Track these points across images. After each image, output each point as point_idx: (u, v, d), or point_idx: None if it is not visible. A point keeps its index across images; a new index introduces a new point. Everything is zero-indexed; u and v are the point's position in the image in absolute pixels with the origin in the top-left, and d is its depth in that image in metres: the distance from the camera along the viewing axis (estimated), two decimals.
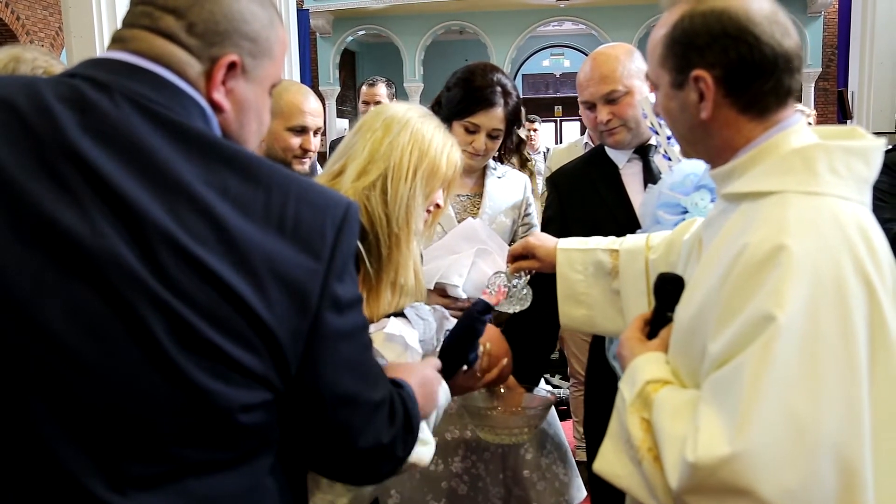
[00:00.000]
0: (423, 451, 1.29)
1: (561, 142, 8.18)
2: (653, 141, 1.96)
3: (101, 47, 3.94)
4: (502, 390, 1.80)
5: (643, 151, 1.99)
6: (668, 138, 1.85)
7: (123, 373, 0.75)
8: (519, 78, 15.77)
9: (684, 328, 1.06)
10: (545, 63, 16.66)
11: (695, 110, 1.05)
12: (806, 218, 0.94)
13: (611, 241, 1.60)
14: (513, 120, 2.08)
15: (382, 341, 1.39)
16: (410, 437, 1.01)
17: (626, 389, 1.10)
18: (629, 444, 1.06)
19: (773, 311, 0.89)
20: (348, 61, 15.05)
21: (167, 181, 0.78)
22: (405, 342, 1.40)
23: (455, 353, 1.46)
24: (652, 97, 1.84)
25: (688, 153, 1.15)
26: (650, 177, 1.94)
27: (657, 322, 1.18)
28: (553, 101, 16.63)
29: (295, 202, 0.83)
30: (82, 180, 0.76)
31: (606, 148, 2.04)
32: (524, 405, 1.77)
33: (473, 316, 1.45)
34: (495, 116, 2.03)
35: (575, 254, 1.60)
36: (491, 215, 2.12)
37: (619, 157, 2.01)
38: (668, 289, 1.17)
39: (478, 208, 2.12)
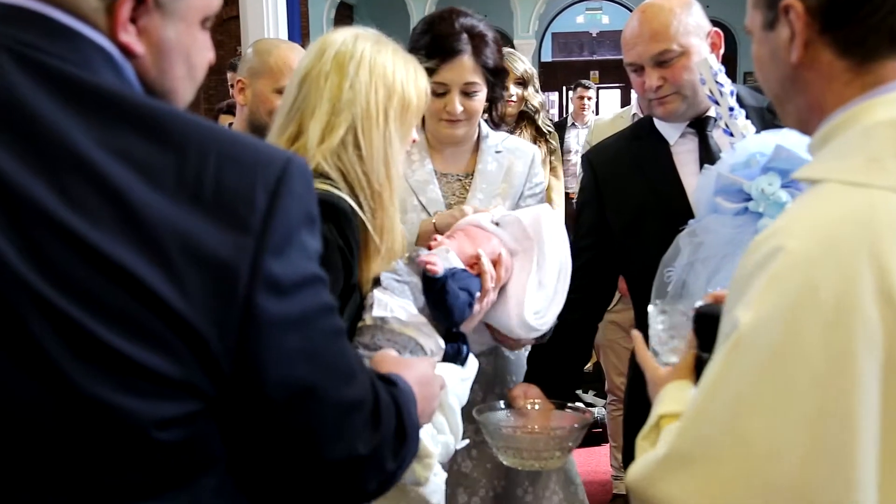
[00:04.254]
0: (419, 468, 1.31)
1: (597, 114, 8.13)
2: (711, 112, 1.93)
3: None
4: (528, 407, 1.79)
5: (700, 125, 1.96)
6: (731, 109, 1.82)
7: (1, 390, 0.73)
8: (548, 37, 15.74)
9: None
10: (579, 19, 16.61)
11: (785, 54, 1.00)
12: (827, 215, 0.88)
13: None
14: (494, 70, 1.98)
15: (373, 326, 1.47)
16: (405, 447, 0.99)
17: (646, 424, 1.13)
18: None
19: (741, 315, 0.87)
20: (345, 16, 15.04)
21: (52, 149, 0.75)
22: (399, 320, 1.46)
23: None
24: (712, 59, 1.82)
25: (783, 119, 1.11)
26: (708, 156, 1.92)
27: (699, 367, 1.16)
28: (588, 64, 16.56)
29: (216, 163, 0.79)
30: None
31: (656, 120, 2.02)
32: (554, 425, 1.76)
33: (433, 296, 1.54)
34: (464, 67, 1.92)
35: None
36: (483, 200, 2.02)
37: (670, 132, 1.99)
38: (706, 324, 1.16)
39: (468, 191, 2.04)
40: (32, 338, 0.73)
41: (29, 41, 0.79)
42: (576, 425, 1.73)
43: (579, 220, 2.10)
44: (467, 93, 1.96)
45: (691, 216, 1.77)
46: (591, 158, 2.11)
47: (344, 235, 1.35)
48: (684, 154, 1.96)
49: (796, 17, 0.97)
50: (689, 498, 0.88)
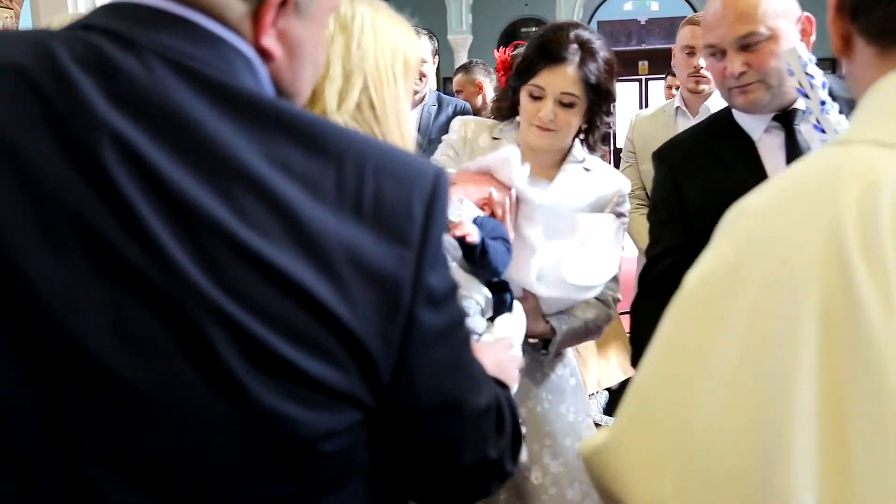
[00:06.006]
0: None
1: (646, 107, 8.06)
2: (799, 104, 1.89)
3: None
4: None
5: (786, 118, 1.91)
6: (822, 103, 1.77)
7: (180, 401, 0.76)
8: (593, 26, 15.67)
9: None
10: (627, 7, 16.54)
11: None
12: (796, 175, 0.91)
13: None
14: (596, 86, 2.01)
15: None
16: (518, 449, 1.06)
17: None
18: None
19: (688, 274, 0.91)
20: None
21: (218, 161, 0.78)
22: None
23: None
24: (801, 48, 1.77)
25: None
26: (795, 152, 1.87)
27: None
28: (636, 54, 16.46)
29: (373, 176, 0.84)
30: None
31: (736, 113, 1.97)
32: None
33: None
34: (565, 76, 1.98)
35: None
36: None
37: (753, 125, 1.94)
38: None
39: None
40: (211, 347, 0.76)
41: (179, 48, 0.82)
42: None
43: (654, 222, 2.07)
44: (563, 103, 2.00)
45: None
46: (665, 154, 2.07)
47: None
48: (770, 149, 1.91)
49: (829, 6, 1.03)
50: (632, 467, 0.90)
